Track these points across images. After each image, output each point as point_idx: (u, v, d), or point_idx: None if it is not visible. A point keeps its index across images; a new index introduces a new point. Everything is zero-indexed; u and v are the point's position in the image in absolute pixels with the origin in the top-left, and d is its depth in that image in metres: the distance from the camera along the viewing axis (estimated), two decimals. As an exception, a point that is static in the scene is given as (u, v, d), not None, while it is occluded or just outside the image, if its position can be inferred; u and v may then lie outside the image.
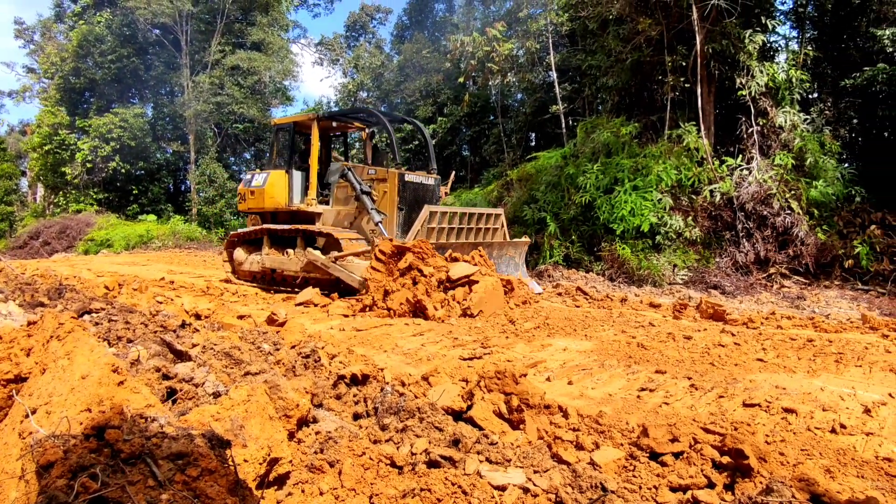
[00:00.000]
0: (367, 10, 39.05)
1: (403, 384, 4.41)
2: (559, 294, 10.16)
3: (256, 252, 10.72)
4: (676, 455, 3.22)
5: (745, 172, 12.42)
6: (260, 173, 11.05)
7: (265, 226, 10.52)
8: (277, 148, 11.30)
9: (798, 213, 11.70)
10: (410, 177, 9.75)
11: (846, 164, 13.82)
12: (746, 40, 12.43)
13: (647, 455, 3.25)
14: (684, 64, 13.68)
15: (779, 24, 14.81)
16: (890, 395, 4.54)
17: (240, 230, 11.26)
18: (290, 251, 9.95)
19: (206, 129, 30.95)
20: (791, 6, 15.84)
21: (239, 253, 11.03)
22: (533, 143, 22.81)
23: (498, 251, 9.90)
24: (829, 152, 12.64)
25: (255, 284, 10.78)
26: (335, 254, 8.96)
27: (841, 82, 14.06)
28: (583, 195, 13.19)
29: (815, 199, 11.84)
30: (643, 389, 4.70)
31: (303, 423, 3.19)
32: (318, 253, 9.26)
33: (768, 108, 12.63)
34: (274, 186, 10.57)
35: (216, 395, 3.33)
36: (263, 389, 2.97)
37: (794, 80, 12.73)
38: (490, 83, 22.36)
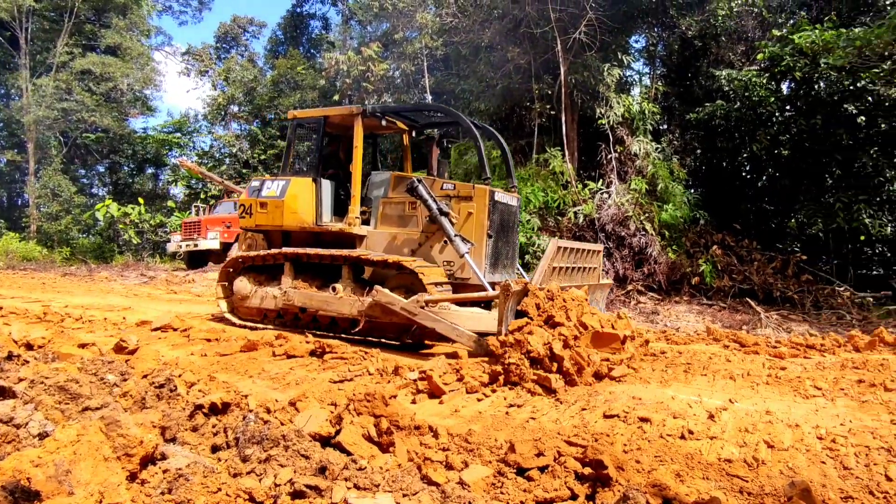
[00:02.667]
0: (239, 21, 37.71)
1: (269, 411, 4.15)
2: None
3: (271, 284, 8.21)
4: (542, 469, 3.26)
5: (605, 196, 13.29)
6: (273, 180, 8.44)
7: (289, 249, 7.96)
8: (297, 149, 9.11)
9: (651, 234, 12.67)
10: (500, 196, 7.56)
11: (692, 190, 15.23)
12: (605, 73, 13.37)
13: (515, 471, 3.26)
14: (550, 92, 14.45)
15: (633, 61, 16.12)
16: (730, 400, 4.90)
17: (244, 253, 8.55)
18: (338, 286, 7.48)
19: (49, 138, 28.13)
20: (644, 45, 17.31)
21: (242, 284, 8.32)
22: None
23: (591, 294, 7.53)
24: (677, 179, 13.84)
25: (268, 326, 8.11)
26: (425, 297, 6.59)
27: (686, 116, 15.52)
28: (456, 215, 13.40)
29: (665, 222, 12.89)
30: (511, 405, 4.74)
31: (148, 461, 2.88)
32: (393, 294, 6.83)
33: (625, 137, 13.63)
34: (297, 199, 8.07)
35: (42, 436, 2.93)
36: (98, 427, 2.65)
37: (646, 112, 13.85)
38: (366, 102, 22.31)
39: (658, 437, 4.07)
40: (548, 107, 14.55)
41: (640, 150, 13.38)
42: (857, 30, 12.87)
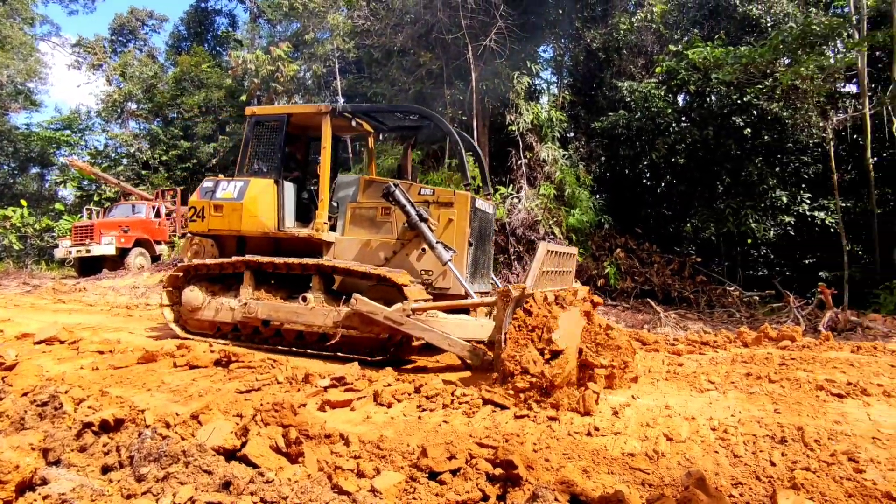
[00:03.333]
0: (137, 14, 35.71)
1: (168, 426, 3.90)
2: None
3: (227, 294, 7.49)
4: (454, 472, 3.26)
5: (516, 200, 13.60)
6: (230, 182, 7.73)
7: (253, 257, 7.21)
8: (256, 148, 7.93)
9: (560, 238, 13.07)
10: (480, 202, 7.26)
11: (597, 196, 15.85)
12: (515, 81, 13.69)
13: (427, 475, 3.24)
14: (462, 98, 14.63)
15: (542, 70, 16.60)
16: (633, 396, 5.11)
17: (195, 261, 7.70)
18: (309, 296, 6.88)
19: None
20: (552, 55, 17.87)
21: (193, 294, 7.52)
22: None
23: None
24: (583, 184, 14.38)
25: (222, 341, 7.32)
26: (412, 304, 6.17)
27: (592, 124, 16.14)
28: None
29: (573, 226, 13.35)
30: (423, 409, 4.73)
31: (26, 487, 2.63)
32: (375, 303, 6.31)
33: (534, 144, 14.01)
34: (257, 202, 7.46)
35: None
36: (-36, 452, 2.37)
37: (554, 119, 14.31)
38: (276, 103, 21.71)
39: (566, 434, 4.17)
40: (459, 112, 14.72)
41: (548, 156, 13.80)
42: (743, 48, 13.88)
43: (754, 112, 14.13)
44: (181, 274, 7.73)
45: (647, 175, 16.16)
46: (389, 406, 4.85)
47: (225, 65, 26.43)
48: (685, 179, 15.39)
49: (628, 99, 15.08)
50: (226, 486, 2.89)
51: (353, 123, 7.88)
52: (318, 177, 8.15)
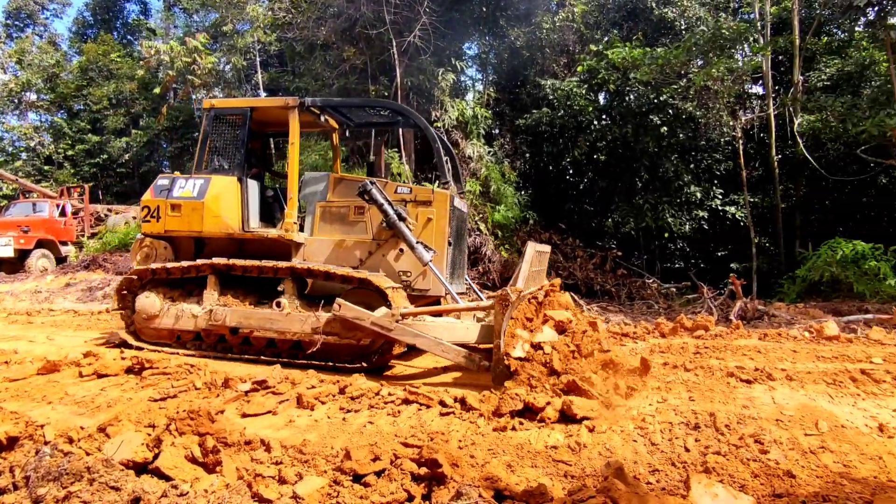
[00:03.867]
0: (36, -3, 33.31)
1: (71, 441, 3.61)
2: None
3: (188, 300, 7.00)
4: (379, 473, 3.20)
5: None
6: (188, 179, 7.13)
7: (219, 260, 6.75)
8: (215, 143, 7.31)
9: (486, 234, 13.16)
10: (457, 201, 7.00)
11: (522, 192, 16.06)
12: (440, 78, 13.64)
13: (351, 478, 3.17)
14: (387, 94, 14.46)
15: (467, 67, 16.63)
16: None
17: (152, 265, 7.06)
18: (283, 301, 6.54)
19: None
20: (477, 52, 17.95)
21: (149, 301, 6.97)
22: (241, 163, 21.72)
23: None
24: (508, 181, 14.53)
25: (180, 351, 6.83)
26: (401, 309, 5.93)
27: (516, 121, 16.32)
28: (293, 217, 12.97)
29: (498, 222, 13.46)
30: (348, 411, 4.66)
31: None
32: (360, 308, 5.99)
33: (459, 140, 14.02)
34: (220, 201, 6.92)
35: None
36: None
37: (479, 116, 14.37)
38: (193, 96, 20.77)
39: (491, 430, 4.19)
40: (385, 108, 14.53)
41: (474, 153, 13.84)
42: (659, 50, 14.40)
43: (670, 111, 14.70)
44: (135, 278, 7.11)
45: (571, 171, 16.54)
46: (313, 409, 4.73)
47: (137, 55, 25.06)
48: (606, 176, 15.85)
49: (551, 97, 15.35)
50: (135, 502, 2.71)
51: (322, 119, 7.57)
52: (278, 174, 7.85)
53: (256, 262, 6.58)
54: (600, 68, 15.08)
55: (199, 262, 6.74)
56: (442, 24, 13.72)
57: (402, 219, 6.48)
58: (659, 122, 14.67)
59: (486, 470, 3.22)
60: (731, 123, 15.25)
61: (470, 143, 13.97)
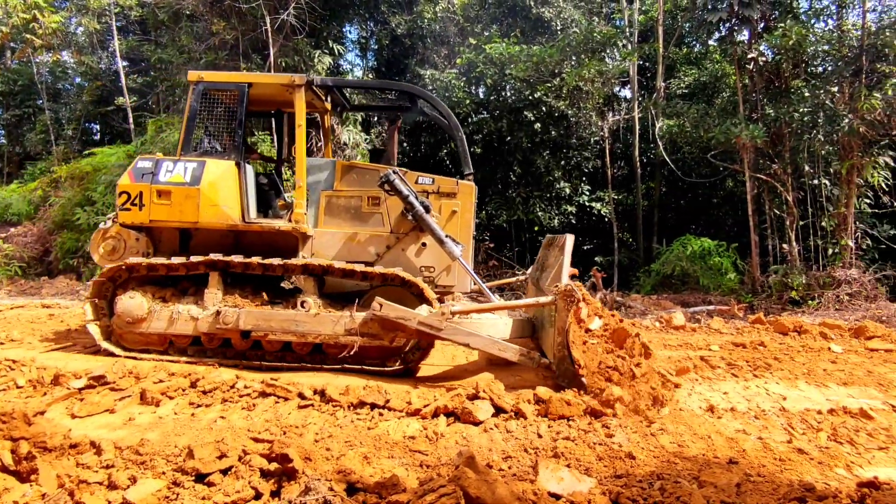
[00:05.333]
0: None
1: None
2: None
3: (182, 301, 6.10)
4: (225, 471, 3.10)
5: (315, 183, 13.12)
6: (176, 162, 6.19)
7: (218, 256, 5.89)
8: (205, 123, 6.44)
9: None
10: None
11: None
12: (316, 60, 13.15)
13: (193, 478, 3.05)
14: (259, 73, 13.73)
15: (346, 51, 16.20)
16: (418, 378, 5.25)
17: (133, 259, 6.03)
18: (309, 301, 5.86)
19: None
20: (357, 37, 17.52)
21: (134, 302, 5.95)
22: (97, 137, 19.91)
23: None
24: (384, 170, 14.30)
25: (178, 358, 5.95)
26: (453, 306, 5.54)
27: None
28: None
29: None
30: (198, 406, 4.52)
31: None
32: (404, 308, 5.48)
33: (335, 126, 13.60)
34: (218, 188, 6.11)
35: None
36: None
37: (356, 103, 14.00)
38: (34, 59, 18.64)
39: (350, 422, 4.20)
40: (257, 88, 13.80)
41: (349, 139, 13.50)
42: (535, 48, 14.77)
43: (543, 108, 15.15)
44: (112, 280, 6.10)
45: (447, 163, 16.61)
46: (158, 405, 4.53)
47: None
48: (481, 168, 16.07)
49: (430, 87, 15.31)
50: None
51: (326, 99, 6.92)
52: (266, 158, 7.36)
53: (281, 261, 5.88)
54: (479, 62, 15.23)
55: (200, 258, 5.83)
56: (319, 4, 13.21)
57: (427, 211, 6.11)
58: (533, 118, 15.07)
59: (341, 463, 3.25)
60: (599, 123, 15.99)
61: (346, 130, 13.61)
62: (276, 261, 5.84)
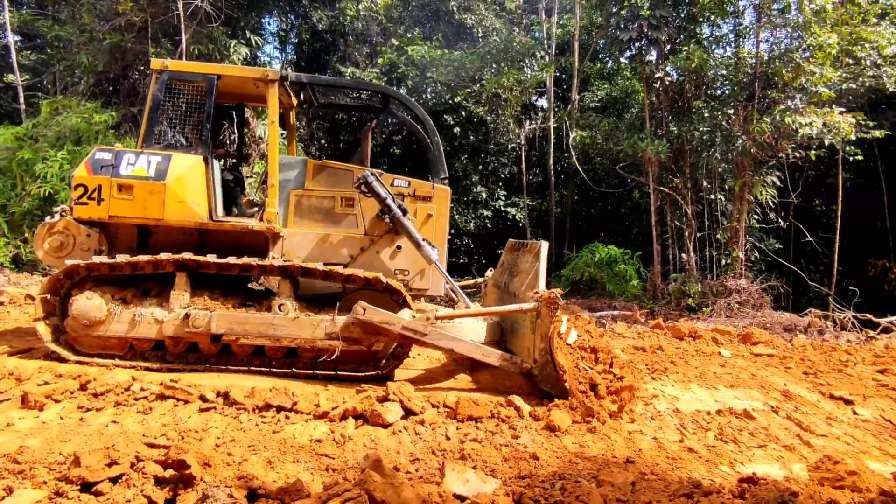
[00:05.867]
0: None
1: None
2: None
3: (145, 303, 5.66)
4: (115, 480, 2.92)
5: (227, 177, 12.67)
6: (138, 155, 5.78)
7: (189, 256, 5.53)
8: (169, 113, 5.96)
9: (273, 221, 12.57)
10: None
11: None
12: (232, 50, 12.69)
13: (79, 487, 2.86)
14: (170, 59, 13.09)
15: (264, 43, 15.74)
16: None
17: (98, 259, 5.56)
18: (287, 304, 5.61)
19: None
20: (277, 29, 17.07)
21: (92, 303, 5.49)
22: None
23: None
24: (301, 167, 14.00)
25: (138, 363, 5.53)
26: (438, 310, 5.55)
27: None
28: (42, 185, 11.15)
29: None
30: (88, 410, 4.25)
31: None
32: (387, 312, 5.37)
33: (250, 119, 13.16)
34: (185, 182, 5.76)
35: None
36: None
37: (273, 96, 13.63)
38: None
39: (255, 426, 4.07)
40: (166, 75, 13.14)
41: (265, 133, 13.07)
42: (457, 53, 14.94)
43: (463, 113, 15.33)
44: (68, 278, 5.58)
45: (367, 164, 16.49)
46: (42, 409, 4.19)
47: None
48: (400, 169, 16.07)
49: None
50: None
51: (298, 96, 6.83)
52: (228, 155, 7.06)
53: (258, 261, 5.60)
54: (401, 63, 15.22)
55: (171, 256, 5.47)
56: (237, -8, 12.80)
57: (404, 214, 6.05)
58: (452, 122, 15.22)
59: (243, 468, 3.14)
60: (517, 131, 16.38)
61: (262, 123, 13.18)
62: (252, 261, 5.60)
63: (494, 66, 15.08)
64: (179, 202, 5.78)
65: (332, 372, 5.57)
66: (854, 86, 11.63)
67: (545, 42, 17.11)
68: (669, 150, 12.18)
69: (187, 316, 5.45)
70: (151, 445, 3.32)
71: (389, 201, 6.02)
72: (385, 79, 15.71)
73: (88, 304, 5.45)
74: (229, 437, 3.78)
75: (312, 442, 3.86)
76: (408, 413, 4.51)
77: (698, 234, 12.96)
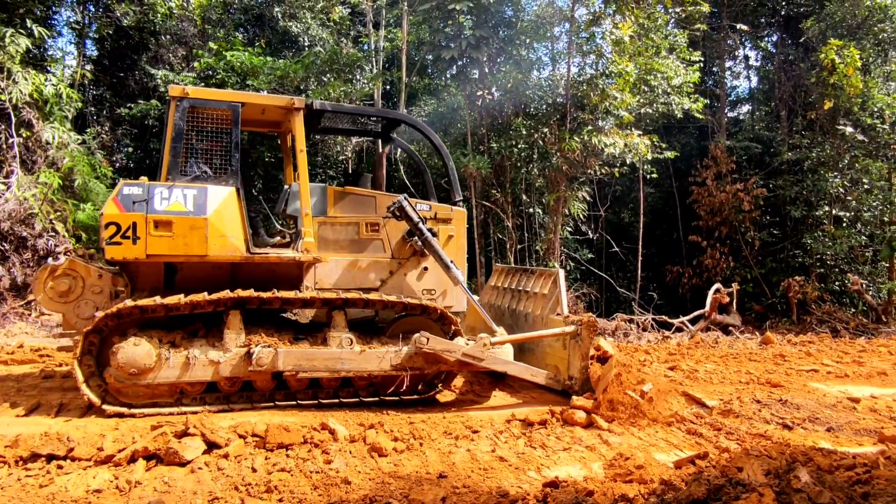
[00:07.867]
0: None
1: None
2: None
3: (195, 345, 5.32)
4: None
5: (3, 188, 10.91)
6: (171, 188, 5.41)
7: (241, 293, 5.36)
8: (195, 144, 5.56)
9: (64, 236, 11.08)
10: None
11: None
12: (8, 40, 11.00)
13: None
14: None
15: (55, 35, 13.95)
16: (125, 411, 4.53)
17: (140, 301, 5.10)
18: (350, 336, 5.66)
19: None
20: (71, 19, 15.23)
21: (139, 350, 5.02)
22: None
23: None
24: (101, 176, 12.58)
25: (192, 409, 5.23)
26: (488, 338, 5.84)
27: (118, 109, 14.37)
28: None
29: (83, 222, 11.50)
30: None
31: None
32: (447, 341, 5.72)
33: (34, 121, 11.54)
34: (224, 216, 5.52)
35: None
36: None
37: (65, 96, 12.07)
38: None
39: (16, 481, 3.59)
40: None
41: (54, 138, 11.52)
42: (280, 61, 14.37)
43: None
44: (108, 329, 5.22)
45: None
46: None
47: None
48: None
49: (163, 89, 13.94)
50: None
51: (326, 124, 7.24)
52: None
53: (283, 295, 5.56)
54: (219, 68, 14.30)
55: (223, 295, 5.35)
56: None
57: (435, 235, 6.38)
58: (277, 133, 14.57)
59: None
60: (344, 143, 16.13)
61: (49, 126, 11.60)
62: (305, 294, 5.65)
63: (321, 76, 14.73)
64: (220, 237, 5.62)
65: (376, 398, 5.84)
66: (650, 111, 13.02)
67: (373, 55, 17.09)
68: (490, 165, 12.69)
69: (250, 354, 5.31)
70: None
71: (422, 226, 6.23)
72: (202, 84, 14.66)
73: (136, 350, 5.11)
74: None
75: (90, 493, 3.43)
76: (211, 447, 4.17)
77: (519, 246, 13.63)
